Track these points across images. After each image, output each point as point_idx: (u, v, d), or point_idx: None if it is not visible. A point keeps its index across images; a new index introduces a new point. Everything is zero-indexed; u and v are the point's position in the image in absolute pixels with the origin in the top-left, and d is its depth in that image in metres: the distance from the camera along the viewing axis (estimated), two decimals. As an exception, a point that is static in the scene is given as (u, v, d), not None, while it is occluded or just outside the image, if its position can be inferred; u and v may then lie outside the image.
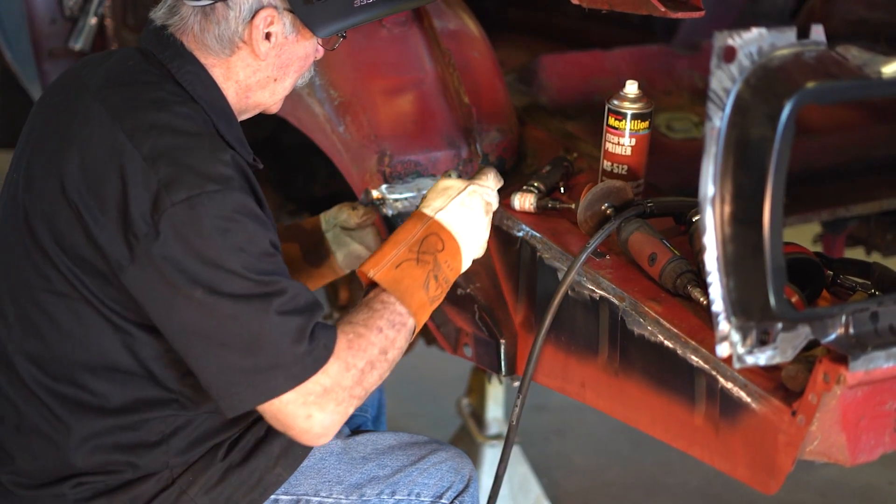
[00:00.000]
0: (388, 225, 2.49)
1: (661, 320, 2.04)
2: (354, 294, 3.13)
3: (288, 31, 2.04)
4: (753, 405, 1.90)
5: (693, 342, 1.99)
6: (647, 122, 2.32)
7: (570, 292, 2.19)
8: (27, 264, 2.00)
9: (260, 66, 2.06)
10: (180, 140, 1.92)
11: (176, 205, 1.86)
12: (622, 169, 2.33)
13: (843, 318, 1.77)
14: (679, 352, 2.01)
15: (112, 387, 2.00)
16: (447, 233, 2.09)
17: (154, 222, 1.86)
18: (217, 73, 2.05)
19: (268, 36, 2.02)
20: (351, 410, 1.96)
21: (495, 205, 2.18)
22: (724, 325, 1.73)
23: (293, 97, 2.56)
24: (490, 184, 2.17)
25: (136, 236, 1.87)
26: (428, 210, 2.11)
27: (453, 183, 2.14)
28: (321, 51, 2.13)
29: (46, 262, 1.97)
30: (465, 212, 2.11)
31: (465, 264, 2.13)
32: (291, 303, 1.90)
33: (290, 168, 3.50)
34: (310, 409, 1.91)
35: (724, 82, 1.67)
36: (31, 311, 2.01)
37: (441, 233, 2.08)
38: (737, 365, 1.75)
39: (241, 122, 2.12)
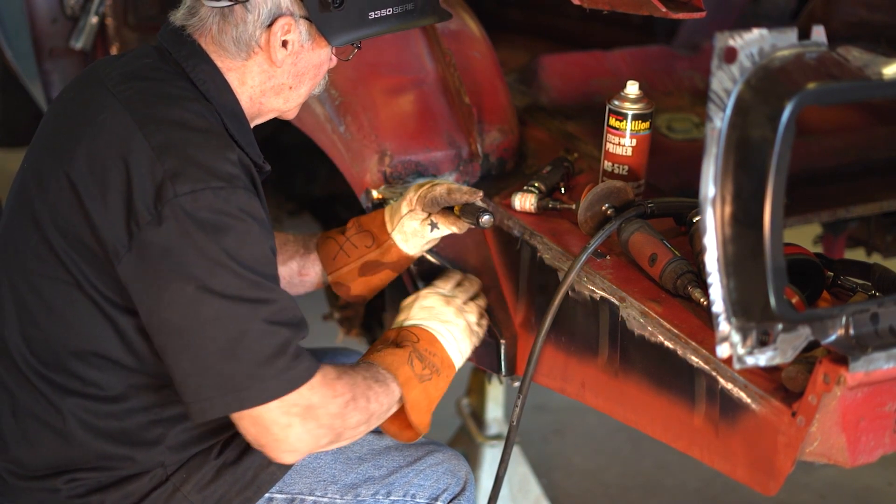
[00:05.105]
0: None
1: (662, 321, 2.04)
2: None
3: (304, 38, 2.05)
4: (753, 406, 1.90)
5: (693, 343, 1.99)
6: (647, 123, 2.32)
7: (570, 293, 2.19)
8: (28, 250, 2.01)
9: (275, 73, 2.07)
10: (190, 135, 1.93)
11: (180, 196, 1.86)
12: (623, 169, 2.33)
13: (844, 320, 1.77)
14: (679, 352, 2.01)
15: (102, 374, 2.00)
16: (418, 328, 2.20)
17: (157, 212, 1.86)
18: (232, 78, 2.06)
19: (284, 43, 2.03)
20: (324, 442, 1.95)
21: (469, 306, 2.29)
22: (724, 326, 1.73)
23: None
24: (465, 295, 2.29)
25: (138, 224, 1.87)
26: (402, 321, 2.25)
27: (433, 303, 2.25)
28: (334, 60, 2.15)
29: (46, 247, 1.98)
30: (432, 313, 2.22)
31: (454, 356, 2.21)
32: (280, 314, 1.89)
33: (290, 168, 3.50)
34: (291, 419, 1.90)
35: (725, 83, 1.67)
36: (28, 295, 2.02)
37: (413, 329, 2.20)
38: (737, 366, 1.75)
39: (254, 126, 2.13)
